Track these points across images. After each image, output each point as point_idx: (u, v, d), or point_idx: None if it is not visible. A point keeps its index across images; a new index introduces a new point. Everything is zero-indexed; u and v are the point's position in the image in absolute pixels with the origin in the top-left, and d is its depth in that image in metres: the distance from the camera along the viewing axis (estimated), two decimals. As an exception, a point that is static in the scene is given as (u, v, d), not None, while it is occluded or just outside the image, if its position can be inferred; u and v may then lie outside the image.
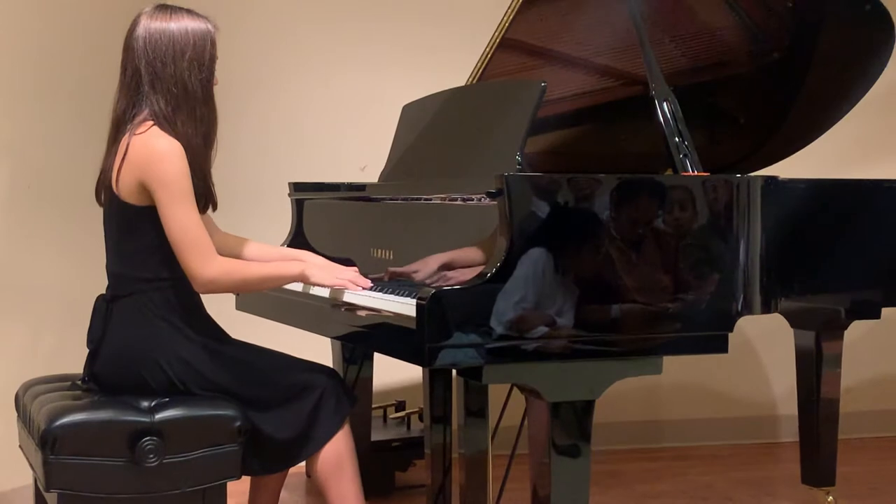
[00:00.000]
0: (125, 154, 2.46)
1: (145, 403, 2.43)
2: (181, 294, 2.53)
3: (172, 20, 2.50)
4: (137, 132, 2.46)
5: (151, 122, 2.47)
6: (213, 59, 2.54)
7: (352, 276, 2.61)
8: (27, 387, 2.69)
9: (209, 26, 2.53)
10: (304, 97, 4.25)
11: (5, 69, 3.44)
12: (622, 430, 4.27)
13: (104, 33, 3.77)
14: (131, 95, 2.50)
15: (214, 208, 2.59)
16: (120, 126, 2.51)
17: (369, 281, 2.61)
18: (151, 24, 2.49)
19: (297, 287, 2.83)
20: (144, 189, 2.44)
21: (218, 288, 2.51)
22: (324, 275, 2.61)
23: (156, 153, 2.42)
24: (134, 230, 2.49)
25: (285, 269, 2.65)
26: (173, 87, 2.47)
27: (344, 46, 4.27)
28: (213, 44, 2.54)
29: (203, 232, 2.45)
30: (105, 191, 2.52)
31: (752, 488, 3.81)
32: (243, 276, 2.56)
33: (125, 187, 2.46)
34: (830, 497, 3.19)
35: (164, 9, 2.53)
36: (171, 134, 2.45)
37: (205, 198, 2.54)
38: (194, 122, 2.49)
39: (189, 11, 2.54)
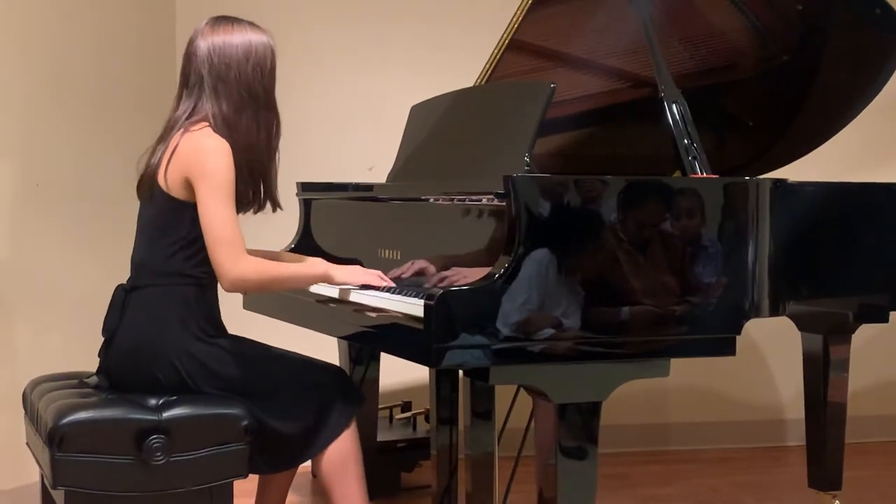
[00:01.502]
0: (175, 150, 2.51)
1: (153, 401, 2.43)
2: (199, 294, 2.55)
3: (235, 30, 2.57)
4: (191, 130, 2.51)
5: (206, 124, 2.52)
6: (273, 67, 2.61)
7: (378, 274, 2.65)
8: (35, 384, 2.70)
9: (268, 38, 2.61)
10: (313, 97, 4.25)
11: (13, 69, 3.45)
12: (629, 432, 4.27)
13: (113, 33, 3.79)
14: (193, 100, 2.56)
15: (273, 209, 2.64)
16: (175, 125, 2.56)
17: (390, 281, 2.63)
18: (215, 33, 2.56)
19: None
20: (188, 184, 2.48)
21: (245, 286, 2.55)
22: (347, 274, 2.64)
23: (202, 148, 2.48)
24: (172, 223, 2.52)
25: (310, 269, 2.68)
26: (237, 90, 2.53)
27: (353, 47, 4.27)
28: (273, 53, 2.61)
29: (238, 230, 2.48)
30: (149, 184, 2.56)
31: (758, 492, 3.80)
32: (271, 275, 2.58)
33: (171, 181, 2.50)
34: (837, 501, 3.18)
35: (224, 20, 2.60)
36: (223, 135, 2.50)
37: (265, 199, 2.60)
38: (257, 126, 2.55)
39: (250, 23, 2.62)
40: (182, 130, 2.52)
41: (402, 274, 2.69)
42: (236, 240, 2.47)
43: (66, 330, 3.56)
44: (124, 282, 2.60)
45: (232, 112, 2.52)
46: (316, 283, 2.72)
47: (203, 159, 2.46)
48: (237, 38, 2.55)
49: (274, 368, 2.57)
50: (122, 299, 2.55)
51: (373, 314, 2.50)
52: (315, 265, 2.71)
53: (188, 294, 2.53)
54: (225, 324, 2.64)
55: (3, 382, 3.33)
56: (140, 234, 2.61)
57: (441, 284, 2.48)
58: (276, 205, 2.64)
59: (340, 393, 2.57)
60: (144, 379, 2.50)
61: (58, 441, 2.32)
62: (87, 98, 3.67)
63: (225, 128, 2.51)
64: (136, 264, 2.60)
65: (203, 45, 2.55)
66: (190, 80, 2.57)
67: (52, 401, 2.47)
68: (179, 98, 2.60)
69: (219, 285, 2.54)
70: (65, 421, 2.34)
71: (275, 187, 2.63)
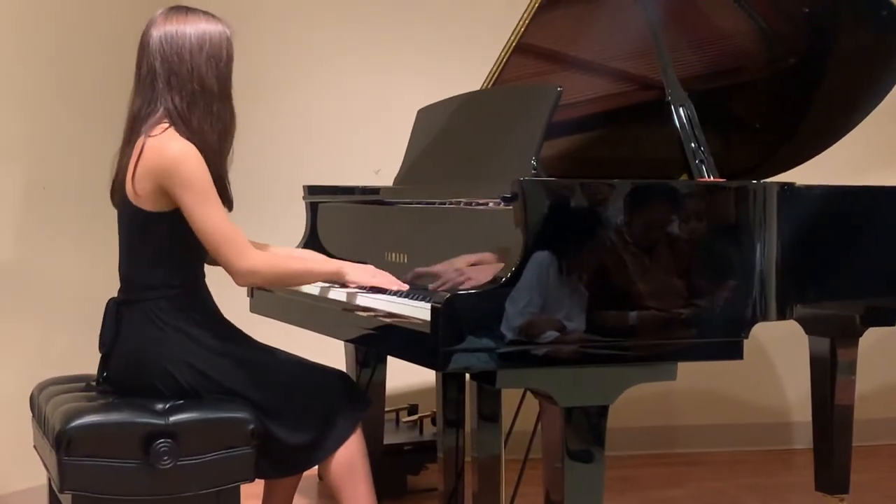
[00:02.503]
0: (139, 157, 2.45)
1: (160, 405, 2.43)
2: (191, 301, 2.53)
3: (189, 18, 2.51)
4: (152, 134, 2.45)
5: (167, 125, 2.46)
6: (230, 57, 2.54)
7: (389, 278, 2.64)
8: (42, 387, 2.70)
9: (224, 27, 2.54)
10: (320, 100, 4.26)
11: (21, 69, 3.45)
12: (636, 435, 4.26)
13: (120, 33, 3.78)
14: (146, 93, 2.50)
15: (230, 209, 2.59)
16: (135, 125, 2.51)
17: (404, 284, 2.62)
18: (167, 23, 2.50)
19: (312, 290, 2.83)
20: (163, 194, 2.44)
21: (258, 279, 2.54)
22: (359, 273, 2.64)
23: (172, 157, 2.41)
24: (145, 234, 2.49)
25: (322, 266, 2.70)
26: (189, 82, 2.47)
27: (359, 50, 4.28)
28: (230, 44, 2.54)
29: (234, 226, 2.46)
30: (120, 192, 2.52)
31: (764, 495, 3.80)
32: (282, 268, 2.58)
33: (140, 191, 2.45)
34: (844, 504, 3.18)
35: (179, 9, 2.54)
36: (185, 135, 2.45)
37: (222, 197, 2.52)
38: (210, 119, 2.48)
39: (205, 12, 2.55)
40: (144, 135, 2.46)
41: (410, 277, 2.68)
42: (236, 236, 2.45)
43: (74, 332, 3.56)
44: (116, 294, 2.58)
45: (185, 106, 2.46)
46: (327, 279, 2.70)
47: (177, 168, 2.40)
48: (190, 28, 2.48)
49: (278, 375, 2.55)
50: (115, 312, 2.53)
51: (379, 317, 2.49)
52: (327, 263, 2.72)
53: (179, 302, 2.51)
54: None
55: (10, 385, 3.33)
56: (121, 245, 2.58)
57: (448, 288, 2.48)
58: (230, 203, 2.57)
59: (346, 398, 2.57)
60: (146, 391, 2.48)
61: (65, 444, 2.32)
62: (94, 100, 3.67)
63: (182, 124, 2.45)
64: (123, 277, 2.57)
65: (156, 34, 2.48)
66: (142, 72, 2.51)
67: (60, 404, 2.47)
68: (135, 91, 2.53)
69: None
70: (72, 424, 2.34)
71: (228, 184, 2.57)
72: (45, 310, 3.53)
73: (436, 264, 2.59)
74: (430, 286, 2.56)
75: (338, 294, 2.72)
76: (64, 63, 3.62)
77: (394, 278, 2.65)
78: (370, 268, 2.70)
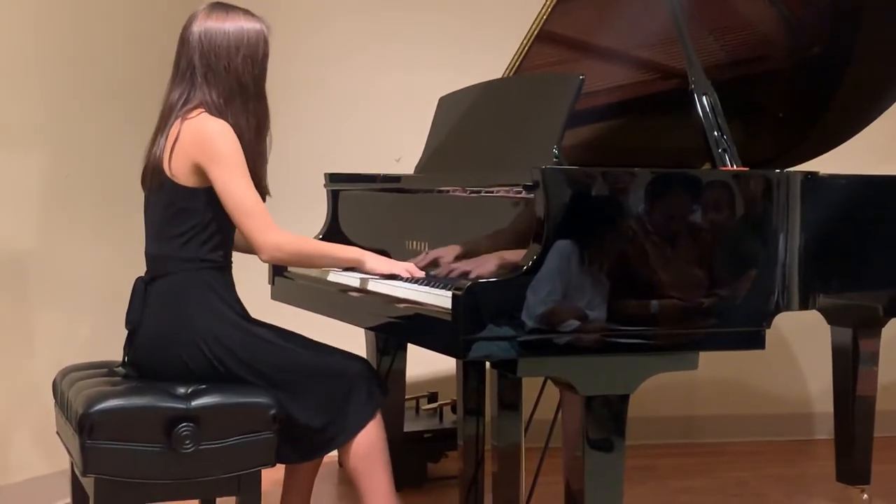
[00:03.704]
0: (177, 138, 2.51)
1: (181, 390, 2.45)
2: (219, 278, 2.57)
3: (229, 17, 2.58)
4: (188, 117, 2.52)
5: (202, 110, 2.53)
6: (265, 56, 2.62)
7: (408, 266, 2.67)
8: (65, 373, 2.72)
9: (262, 26, 2.61)
10: (341, 89, 4.26)
11: (41, 59, 3.47)
12: (656, 424, 4.26)
13: (140, 23, 3.81)
14: (184, 86, 2.57)
15: (263, 198, 2.62)
16: (170, 113, 2.57)
17: (421, 273, 2.64)
18: (208, 20, 2.56)
19: (333, 277, 2.84)
20: (198, 170, 2.50)
21: (283, 255, 2.58)
22: (378, 262, 2.68)
23: (207, 132, 2.49)
24: (182, 212, 2.53)
25: (344, 251, 2.74)
26: (226, 80, 2.55)
27: (380, 38, 4.28)
28: (266, 42, 2.61)
29: (261, 203, 2.52)
30: (154, 174, 2.56)
31: (785, 485, 3.79)
32: (305, 248, 2.65)
33: (177, 170, 2.52)
34: (865, 495, 3.16)
35: (220, 6, 2.61)
36: (221, 118, 2.52)
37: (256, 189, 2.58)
38: (246, 115, 2.56)
39: (244, 11, 2.62)
40: (180, 119, 2.53)
41: (429, 264, 2.69)
42: (262, 211, 2.51)
43: (96, 319, 3.59)
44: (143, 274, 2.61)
45: (222, 101, 2.54)
46: (348, 265, 2.75)
47: (210, 143, 2.48)
48: (229, 26, 2.56)
49: (300, 358, 2.57)
50: (143, 291, 2.57)
51: (400, 305, 2.50)
52: (348, 248, 2.76)
53: (208, 277, 2.55)
54: (252, 315, 2.65)
55: (33, 371, 3.36)
56: (150, 227, 2.62)
57: (468, 275, 2.48)
58: (265, 193, 2.63)
59: (365, 383, 2.58)
60: (173, 367, 2.51)
61: (88, 429, 2.34)
62: (114, 89, 3.69)
63: (218, 114, 2.53)
64: (152, 256, 2.61)
65: (196, 30, 2.56)
66: (181, 65, 2.58)
67: (82, 389, 2.49)
68: (171, 83, 2.60)
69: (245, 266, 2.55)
70: (95, 409, 2.36)
71: (264, 176, 2.64)
72: (68, 297, 3.55)
73: (455, 251, 2.60)
74: (450, 274, 2.56)
75: (358, 282, 2.73)
76: (83, 53, 3.63)
77: (413, 267, 2.66)
78: (389, 259, 2.74)
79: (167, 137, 2.54)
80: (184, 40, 2.58)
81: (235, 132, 2.52)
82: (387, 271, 2.66)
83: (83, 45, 3.63)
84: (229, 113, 2.54)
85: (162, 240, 2.57)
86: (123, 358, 2.62)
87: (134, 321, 2.57)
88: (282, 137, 4.07)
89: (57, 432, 2.70)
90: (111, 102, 3.68)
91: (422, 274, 2.64)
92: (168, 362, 2.52)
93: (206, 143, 2.48)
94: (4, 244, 3.35)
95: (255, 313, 2.65)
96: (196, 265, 2.54)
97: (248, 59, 2.56)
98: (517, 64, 3.10)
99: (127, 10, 3.79)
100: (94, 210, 3.64)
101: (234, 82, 2.55)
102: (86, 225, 3.62)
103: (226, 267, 2.60)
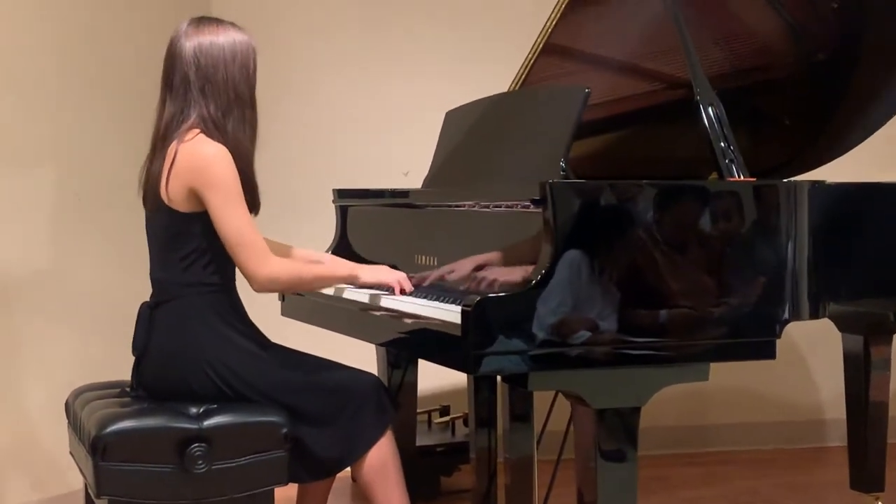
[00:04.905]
0: (173, 161, 2.50)
1: (193, 410, 2.45)
2: (225, 300, 2.57)
3: (220, 30, 2.57)
4: (185, 140, 2.50)
5: (198, 130, 2.51)
6: (255, 66, 2.61)
7: (399, 277, 2.68)
8: (77, 393, 2.73)
9: (249, 37, 2.61)
10: (348, 104, 4.27)
11: (50, 76, 3.49)
12: (667, 434, 4.25)
13: (149, 41, 3.82)
14: (178, 102, 2.55)
15: (256, 212, 2.62)
16: (167, 133, 2.55)
17: (411, 286, 2.66)
18: (200, 34, 2.55)
19: (343, 293, 2.85)
20: (193, 196, 2.48)
21: (276, 286, 2.59)
22: (373, 274, 2.70)
23: (203, 158, 2.47)
24: (180, 236, 2.53)
25: (335, 271, 2.77)
26: (224, 91, 2.54)
27: (388, 53, 4.29)
28: (255, 52, 2.62)
29: (257, 233, 2.50)
30: (152, 197, 2.56)
31: (798, 493, 3.78)
32: (299, 275, 2.64)
33: (173, 194, 2.50)
34: (879, 503, 3.16)
35: (207, 20, 2.60)
36: (219, 140, 2.50)
37: (251, 201, 2.57)
38: (244, 125, 2.56)
39: (231, 23, 2.62)
40: (176, 141, 2.51)
41: (438, 279, 2.69)
42: (258, 241, 2.50)
43: (109, 338, 3.59)
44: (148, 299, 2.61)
45: (220, 114, 2.53)
46: (342, 283, 2.78)
47: (206, 169, 2.46)
48: (223, 39, 2.56)
49: (308, 378, 2.57)
50: (148, 316, 2.57)
51: (409, 321, 2.50)
52: (340, 267, 2.80)
53: (213, 301, 2.55)
54: (263, 331, 2.66)
55: (46, 391, 3.37)
56: (152, 249, 2.62)
57: (477, 290, 2.48)
58: (257, 206, 2.61)
59: (375, 400, 2.57)
60: (181, 391, 2.51)
61: (101, 450, 2.35)
62: (123, 107, 3.70)
63: (216, 131, 2.52)
64: (156, 280, 2.61)
65: (189, 45, 2.54)
66: (174, 82, 2.56)
67: (95, 410, 2.50)
68: (164, 102, 2.58)
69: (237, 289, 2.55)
70: (108, 430, 2.36)
71: (257, 187, 2.61)
72: (79, 316, 3.56)
73: (463, 266, 2.60)
74: (459, 288, 2.56)
75: (368, 298, 2.73)
76: (94, 71, 3.65)
77: (406, 279, 2.69)
78: (384, 269, 2.75)
79: (164, 160, 2.52)
80: (175, 56, 2.56)
81: (234, 145, 2.51)
82: (379, 283, 2.70)
83: (96, 64, 3.64)
84: (228, 124, 2.52)
85: (164, 264, 2.57)
86: (132, 382, 2.62)
87: (140, 347, 2.57)
88: (289, 152, 4.12)
89: (70, 453, 2.71)
90: (123, 123, 3.69)
91: (411, 288, 2.66)
92: (176, 387, 2.52)
93: (202, 169, 2.46)
94: (15, 263, 3.37)
95: (265, 330, 2.66)
96: (198, 289, 2.53)
97: (243, 68, 2.56)
98: (523, 76, 3.11)
99: (137, 28, 3.80)
100: (103, 229, 3.66)
101: (231, 93, 2.54)
102: (95, 244, 3.63)
103: (230, 289, 2.59)
